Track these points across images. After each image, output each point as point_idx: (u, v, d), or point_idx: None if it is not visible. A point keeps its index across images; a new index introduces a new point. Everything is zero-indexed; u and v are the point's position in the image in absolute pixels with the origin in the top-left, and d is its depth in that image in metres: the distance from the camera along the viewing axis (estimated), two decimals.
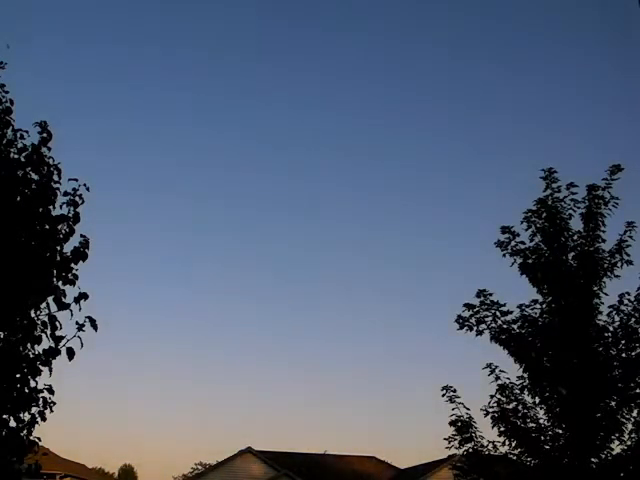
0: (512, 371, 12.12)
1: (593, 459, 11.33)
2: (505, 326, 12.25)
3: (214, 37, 73.17)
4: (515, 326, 12.20)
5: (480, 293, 12.49)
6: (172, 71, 75.82)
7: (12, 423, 5.96)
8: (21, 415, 6.01)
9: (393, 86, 72.92)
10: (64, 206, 6.37)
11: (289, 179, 76.50)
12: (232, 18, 70.11)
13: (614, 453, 11.43)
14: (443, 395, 12.48)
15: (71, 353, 6.05)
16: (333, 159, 77.05)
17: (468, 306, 12.50)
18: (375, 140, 76.27)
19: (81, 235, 6.39)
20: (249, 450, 37.91)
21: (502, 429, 11.81)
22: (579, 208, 12.33)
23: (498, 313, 12.34)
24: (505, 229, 12.67)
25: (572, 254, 12.18)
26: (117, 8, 70.33)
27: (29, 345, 6.03)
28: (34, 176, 6.32)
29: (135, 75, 74.65)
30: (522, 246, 12.49)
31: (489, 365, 12.25)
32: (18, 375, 5.95)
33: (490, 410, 11.97)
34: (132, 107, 75.95)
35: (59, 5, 67.92)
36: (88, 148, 59.97)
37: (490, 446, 12.11)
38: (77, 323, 6.10)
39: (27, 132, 6.39)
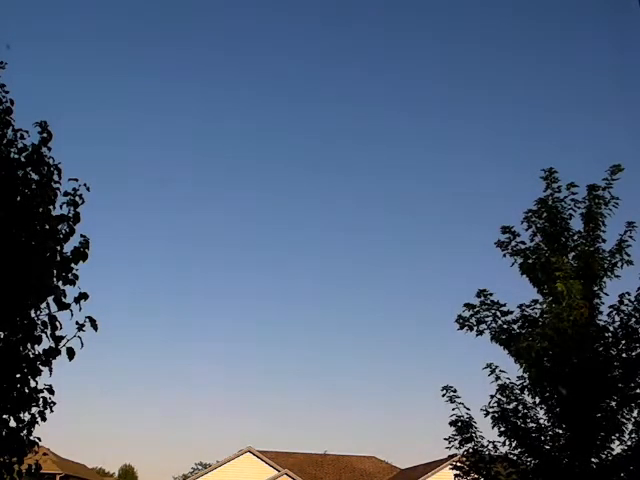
0: (512, 371, 12.13)
1: (593, 459, 11.29)
2: (505, 326, 12.23)
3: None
4: (515, 326, 12.19)
5: (480, 293, 12.47)
6: None
7: (12, 423, 5.97)
8: (21, 415, 6.01)
9: (392, 85, 72.88)
10: (64, 206, 6.39)
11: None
12: None
13: (614, 453, 11.41)
14: (443, 395, 12.46)
15: (71, 353, 6.06)
16: (333, 170, 76.98)
17: (468, 306, 12.48)
18: (373, 139, 76.22)
19: (81, 235, 6.41)
20: (249, 450, 37.95)
21: (502, 429, 11.78)
22: (579, 208, 12.30)
23: (498, 313, 12.31)
24: (505, 229, 12.65)
25: (572, 254, 12.18)
26: None
27: (29, 345, 6.03)
28: (34, 176, 6.32)
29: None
30: (522, 246, 12.47)
31: (489, 365, 12.23)
32: (18, 375, 5.96)
33: (490, 410, 11.95)
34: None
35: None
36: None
37: (490, 446, 12.08)
38: (77, 323, 6.11)
39: (27, 132, 6.39)
